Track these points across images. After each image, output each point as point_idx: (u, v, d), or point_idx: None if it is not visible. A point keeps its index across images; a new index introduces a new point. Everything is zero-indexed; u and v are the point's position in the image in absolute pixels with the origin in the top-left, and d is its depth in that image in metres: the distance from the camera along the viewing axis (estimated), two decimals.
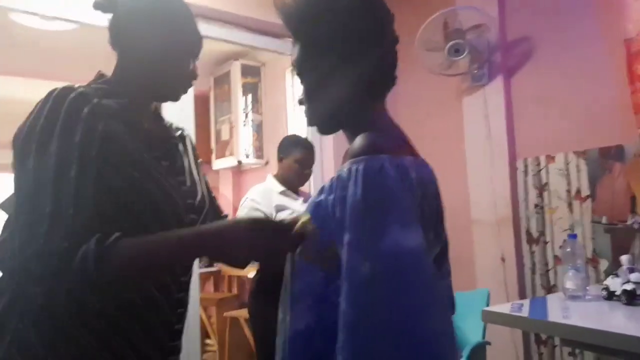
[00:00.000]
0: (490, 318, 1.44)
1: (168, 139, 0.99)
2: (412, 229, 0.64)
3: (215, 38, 2.48)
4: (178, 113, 2.27)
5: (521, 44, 2.46)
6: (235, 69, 4.01)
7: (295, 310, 0.72)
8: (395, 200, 0.66)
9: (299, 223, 0.73)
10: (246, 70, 4.07)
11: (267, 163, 4.07)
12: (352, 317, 0.61)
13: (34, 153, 0.74)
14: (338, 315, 0.64)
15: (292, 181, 2.21)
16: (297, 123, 3.66)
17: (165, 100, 0.98)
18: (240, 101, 4.05)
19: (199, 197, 0.97)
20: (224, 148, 4.17)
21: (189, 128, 2.35)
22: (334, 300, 0.65)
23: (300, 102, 0.83)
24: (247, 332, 3.08)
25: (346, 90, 0.78)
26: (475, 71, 2.48)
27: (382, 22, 0.80)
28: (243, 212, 2.05)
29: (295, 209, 2.08)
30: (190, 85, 0.97)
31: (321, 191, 0.76)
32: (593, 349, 1.44)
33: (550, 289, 2.38)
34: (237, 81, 4.01)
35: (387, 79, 0.82)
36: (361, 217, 0.65)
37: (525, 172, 2.49)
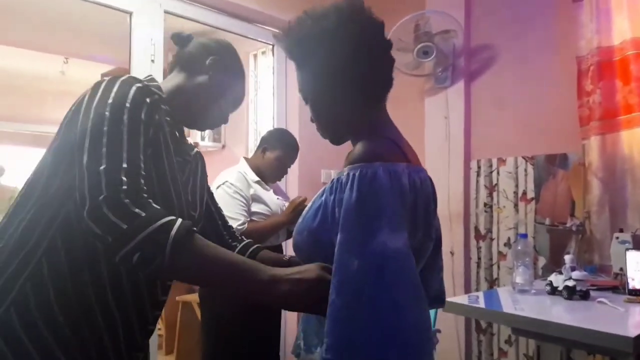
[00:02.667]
0: (450, 308, 1.56)
1: (187, 154, 1.04)
2: (399, 233, 0.71)
3: (178, 15, 2.41)
4: None
5: (483, 51, 2.60)
6: None
7: None
8: (386, 205, 0.72)
9: None
10: None
11: (223, 147, 4.02)
12: (338, 306, 0.68)
13: (109, 123, 0.79)
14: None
15: (269, 175, 2.11)
16: (258, 109, 3.64)
17: (192, 128, 1.08)
18: None
19: (197, 211, 1.04)
20: None
21: None
22: None
23: (312, 120, 0.90)
24: (199, 315, 3.07)
25: (344, 105, 0.85)
26: (440, 73, 2.60)
27: (368, 35, 0.83)
28: (227, 199, 1.90)
29: (270, 201, 2.05)
30: (218, 126, 1.13)
31: (324, 192, 0.81)
32: (538, 337, 1.60)
33: (493, 282, 2.56)
34: None
35: (382, 84, 0.87)
36: (354, 220, 0.72)
37: (478, 173, 2.65)
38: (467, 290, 2.62)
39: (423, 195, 0.80)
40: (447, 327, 2.48)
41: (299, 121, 2.85)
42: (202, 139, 3.89)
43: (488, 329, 2.55)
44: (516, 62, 2.50)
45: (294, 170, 2.76)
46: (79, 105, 0.84)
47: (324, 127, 0.89)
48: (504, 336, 2.48)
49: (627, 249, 1.75)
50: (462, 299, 1.62)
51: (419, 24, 2.41)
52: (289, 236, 2.10)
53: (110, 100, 0.81)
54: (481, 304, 1.52)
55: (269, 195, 2.07)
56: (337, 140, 0.90)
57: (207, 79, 1.00)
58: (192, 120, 1.04)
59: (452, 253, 2.65)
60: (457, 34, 2.46)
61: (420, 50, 2.44)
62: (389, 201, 0.72)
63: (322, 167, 2.88)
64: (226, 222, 1.18)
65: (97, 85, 0.86)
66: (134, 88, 0.84)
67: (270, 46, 3.06)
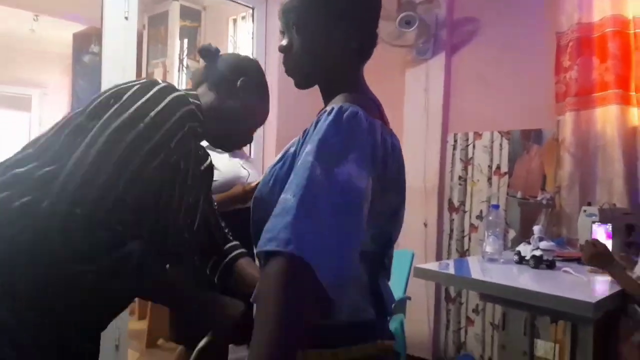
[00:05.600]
0: (421, 274, 1.59)
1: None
2: (364, 174, 0.67)
3: None
4: (122, 55, 2.15)
5: (465, 24, 2.59)
6: (174, 9, 3.78)
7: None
8: (361, 142, 0.68)
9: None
10: (185, 13, 3.85)
11: None
12: (294, 204, 0.61)
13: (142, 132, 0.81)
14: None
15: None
16: None
17: (218, 147, 1.08)
18: (177, 45, 3.85)
19: (196, 224, 1.04)
20: None
21: (131, 70, 2.23)
22: None
23: (282, 50, 0.82)
24: None
25: (340, 42, 0.79)
26: (421, 45, 2.58)
27: None
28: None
29: (221, 164, 1.90)
30: (244, 145, 1.16)
31: (293, 143, 0.78)
32: (504, 303, 1.65)
33: (464, 253, 2.62)
34: (175, 23, 3.79)
35: (373, 41, 0.84)
36: (325, 139, 0.67)
37: (454, 146, 2.68)
38: (439, 260, 2.67)
39: (395, 159, 0.78)
40: (417, 295, 2.54)
41: (277, 89, 2.79)
42: None
43: (457, 298, 2.62)
44: (497, 37, 2.50)
45: (270, 138, 2.74)
46: (105, 105, 0.84)
47: (302, 59, 0.81)
48: (472, 305, 2.56)
49: (594, 222, 1.81)
50: (432, 265, 1.65)
51: None
52: None
53: (136, 108, 0.83)
54: (451, 270, 1.55)
55: (219, 157, 1.80)
56: (306, 80, 0.83)
57: (238, 102, 1.01)
58: (221, 141, 1.05)
59: (425, 225, 2.70)
60: (440, 5, 2.44)
61: (403, 20, 2.41)
62: (363, 140, 0.69)
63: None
64: (218, 221, 1.16)
65: (142, 89, 0.86)
66: (171, 96, 0.86)
67: (250, 10, 2.98)
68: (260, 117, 1.08)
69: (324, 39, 0.79)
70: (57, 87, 4.97)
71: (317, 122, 0.71)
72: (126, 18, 2.19)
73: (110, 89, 0.88)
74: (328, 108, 0.72)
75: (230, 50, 3.70)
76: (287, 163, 0.76)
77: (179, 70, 3.84)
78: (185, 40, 3.88)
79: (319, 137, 0.67)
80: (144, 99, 0.84)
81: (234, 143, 1.09)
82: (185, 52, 3.90)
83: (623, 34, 2.06)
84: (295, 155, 0.74)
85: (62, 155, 0.80)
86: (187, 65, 3.89)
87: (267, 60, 2.90)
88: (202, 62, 1.09)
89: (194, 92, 0.99)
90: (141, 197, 0.82)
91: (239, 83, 1.01)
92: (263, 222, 0.67)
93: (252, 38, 2.96)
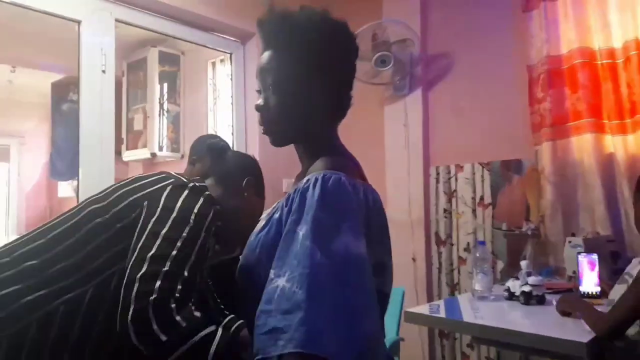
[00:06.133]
0: (412, 319, 1.56)
1: None
2: (361, 240, 0.69)
3: (130, 23, 2.33)
4: (99, 105, 2.15)
5: (440, 60, 2.65)
6: (153, 55, 3.80)
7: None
8: (351, 210, 0.70)
9: None
10: (164, 58, 3.88)
11: (182, 156, 3.92)
12: (303, 297, 0.61)
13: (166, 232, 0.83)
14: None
15: None
16: (217, 117, 3.58)
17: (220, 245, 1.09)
18: (157, 90, 3.86)
19: None
20: (136, 139, 3.94)
21: (109, 118, 2.22)
22: None
23: (259, 109, 0.83)
24: None
25: (317, 104, 0.80)
26: (398, 82, 2.62)
27: (349, 47, 0.84)
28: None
29: None
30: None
31: (277, 207, 0.77)
32: (497, 345, 1.62)
33: (454, 286, 2.60)
34: (154, 69, 3.80)
35: (347, 102, 0.85)
36: (317, 215, 0.67)
37: (437, 179, 2.69)
38: (430, 295, 2.64)
39: (376, 213, 0.79)
40: (410, 332, 2.49)
41: (258, 129, 2.81)
42: (160, 149, 3.79)
43: (451, 333, 2.58)
44: (471, 71, 2.56)
45: None
46: (150, 209, 0.86)
47: (278, 118, 0.81)
48: (466, 340, 2.52)
49: (579, 253, 1.81)
50: (423, 309, 1.62)
51: (377, 33, 2.43)
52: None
53: (181, 205, 0.86)
54: (442, 313, 1.52)
55: None
56: (282, 139, 0.84)
57: (244, 201, 1.06)
58: (225, 240, 1.06)
59: (414, 259, 2.68)
60: (414, 43, 2.49)
61: (378, 59, 2.46)
62: (352, 206, 0.71)
63: (284, 176, 2.85)
64: (214, 297, 1.16)
65: (175, 190, 0.90)
66: (202, 197, 0.90)
67: (228, 55, 3.02)
68: (259, 215, 1.10)
69: (300, 99, 0.81)
70: (35, 136, 4.92)
71: (301, 193, 0.71)
72: (103, 71, 2.19)
73: (130, 184, 0.90)
74: (311, 178, 0.72)
75: (210, 94, 3.72)
76: (272, 229, 0.75)
77: (159, 115, 3.84)
78: (165, 85, 3.90)
79: (311, 216, 0.67)
80: (182, 197, 0.88)
81: (238, 241, 1.09)
82: (165, 97, 3.91)
83: (591, 64, 2.12)
84: (280, 222, 0.74)
85: (82, 250, 0.81)
86: (168, 109, 3.90)
87: (247, 102, 2.92)
88: (208, 157, 1.14)
89: (205, 185, 1.01)
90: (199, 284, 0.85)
91: (244, 183, 1.06)
92: (250, 290, 0.67)
93: (231, 80, 2.98)
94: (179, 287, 0.74)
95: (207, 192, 0.93)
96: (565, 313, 1.50)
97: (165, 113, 3.89)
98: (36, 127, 4.94)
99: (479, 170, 2.54)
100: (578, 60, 2.15)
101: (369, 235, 0.74)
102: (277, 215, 0.76)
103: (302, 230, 0.66)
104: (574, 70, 2.16)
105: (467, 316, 1.47)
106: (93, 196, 0.91)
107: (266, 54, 0.82)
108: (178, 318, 0.70)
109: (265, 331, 0.62)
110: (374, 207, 0.77)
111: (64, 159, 4.14)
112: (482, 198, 2.53)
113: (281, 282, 0.64)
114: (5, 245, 0.87)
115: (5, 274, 0.80)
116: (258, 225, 0.81)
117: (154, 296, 0.70)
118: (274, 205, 0.82)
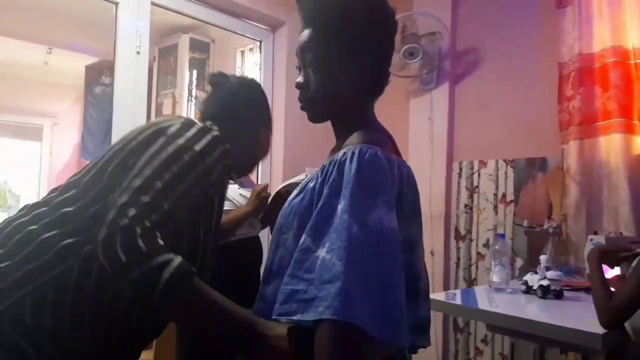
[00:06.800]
0: None
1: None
2: (393, 214, 0.72)
3: (165, 7, 2.39)
4: (133, 87, 2.22)
5: (468, 54, 2.64)
6: (184, 42, 3.89)
7: (277, 281, 0.76)
8: (386, 184, 0.73)
9: None
10: (195, 45, 3.96)
11: None
12: (341, 269, 0.65)
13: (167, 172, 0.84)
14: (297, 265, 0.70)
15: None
16: None
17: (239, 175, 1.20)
18: (186, 76, 3.94)
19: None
20: None
21: (142, 101, 2.29)
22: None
23: (299, 87, 0.85)
24: None
25: (356, 81, 0.82)
26: (425, 75, 2.63)
27: (389, 23, 0.85)
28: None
29: (234, 194, 1.98)
30: (251, 172, 1.25)
31: (312, 177, 0.80)
32: (512, 334, 1.63)
33: (471, 282, 2.60)
34: (184, 55, 3.89)
35: (386, 79, 0.87)
36: (354, 189, 0.70)
37: (460, 175, 2.69)
38: (446, 289, 2.65)
39: (410, 187, 0.81)
40: None
41: (284, 119, 2.84)
42: None
43: (465, 328, 2.59)
44: (500, 67, 2.54)
45: (277, 167, 2.77)
46: (148, 141, 0.88)
47: (318, 96, 0.83)
48: (480, 335, 2.52)
49: None
50: (439, 296, 1.64)
51: (406, 25, 2.43)
52: (264, 226, 2.08)
53: (181, 142, 0.87)
54: (458, 300, 1.54)
55: (231, 189, 1.98)
56: (321, 116, 0.87)
57: (257, 137, 1.11)
58: (242, 168, 1.15)
59: (432, 253, 2.68)
60: (443, 37, 2.49)
61: (407, 52, 2.47)
62: (387, 181, 0.74)
63: (307, 165, 2.89)
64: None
65: (183, 127, 0.91)
66: (209, 136, 0.91)
67: (258, 43, 3.06)
68: (267, 142, 1.16)
69: (340, 77, 0.82)
70: (68, 117, 5.07)
71: (338, 165, 0.74)
72: (138, 53, 2.26)
73: (147, 128, 0.92)
74: (348, 152, 0.75)
75: None
76: (306, 197, 0.78)
77: (188, 101, 3.92)
78: (195, 72, 3.98)
79: (349, 191, 0.70)
80: (187, 135, 0.89)
81: (246, 169, 1.16)
82: (194, 83, 3.99)
83: (624, 64, 2.09)
84: (314, 191, 0.77)
85: (108, 192, 0.83)
86: (196, 95, 3.98)
87: (274, 91, 2.95)
88: (209, 91, 1.14)
89: (215, 126, 1.02)
90: (182, 222, 0.86)
91: (249, 113, 1.07)
92: (284, 256, 0.74)
93: (260, 69, 3.02)
94: (153, 217, 0.75)
95: (215, 133, 0.93)
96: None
97: (194, 99, 3.97)
98: (69, 108, 5.10)
99: (503, 167, 2.53)
100: (611, 59, 2.11)
101: (400, 210, 0.76)
102: (311, 184, 0.78)
103: (341, 205, 0.70)
104: (606, 69, 2.13)
105: (483, 305, 1.49)
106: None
107: (306, 32, 0.84)
108: (140, 242, 0.71)
109: (305, 298, 0.67)
110: (407, 182, 0.80)
111: (95, 140, 4.27)
112: (504, 195, 2.52)
113: (321, 252, 0.68)
114: (44, 197, 0.92)
115: (45, 220, 0.85)
116: (292, 193, 0.84)
117: (124, 222, 0.72)
118: (309, 175, 0.85)
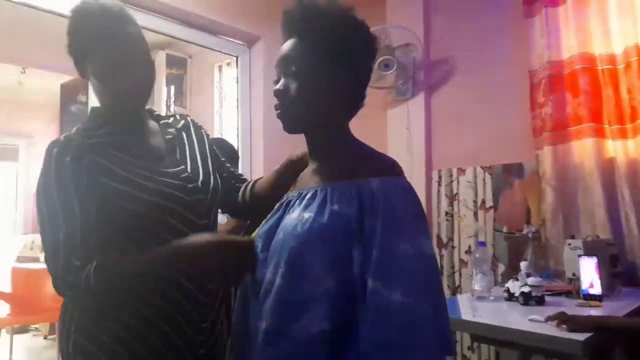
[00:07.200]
0: None
1: (165, 135, 1.06)
2: (430, 241, 0.80)
3: (141, 26, 2.38)
4: None
5: (442, 65, 2.68)
6: (161, 58, 3.87)
7: (308, 316, 0.74)
8: (423, 215, 0.81)
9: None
10: (172, 61, 3.94)
11: None
12: (430, 312, 0.72)
13: (43, 202, 0.91)
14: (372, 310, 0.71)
15: None
16: (224, 119, 3.63)
17: (128, 102, 1.02)
18: (164, 92, 3.92)
19: (201, 177, 1.03)
20: None
21: None
22: (346, 308, 0.74)
23: (277, 94, 0.84)
24: None
25: (335, 94, 0.83)
26: (401, 86, 2.66)
27: (371, 46, 0.86)
28: None
29: None
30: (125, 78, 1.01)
31: (330, 201, 0.77)
32: (496, 343, 1.64)
33: (455, 289, 2.62)
34: (161, 71, 3.87)
35: (362, 99, 0.88)
36: (412, 226, 0.76)
37: (439, 183, 2.72)
38: None
39: None
40: None
41: (263, 131, 2.85)
42: None
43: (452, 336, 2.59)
44: (473, 76, 2.59)
45: (259, 175, 2.76)
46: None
47: (296, 103, 0.83)
48: (466, 343, 2.53)
49: (579, 255, 1.83)
50: None
51: (380, 38, 2.46)
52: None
53: (40, 175, 0.93)
54: None
55: None
56: (297, 125, 0.86)
57: (93, 66, 1.00)
58: (119, 97, 1.00)
59: None
60: (416, 48, 2.53)
61: (382, 63, 2.49)
62: (423, 211, 0.81)
63: None
64: (239, 177, 1.20)
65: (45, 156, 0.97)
66: (53, 158, 0.92)
67: (235, 58, 3.06)
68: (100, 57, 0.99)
69: (319, 86, 0.83)
70: (44, 136, 4.99)
71: (385, 198, 0.75)
72: None
73: None
74: (391, 185, 0.78)
75: (216, 97, 3.77)
76: (333, 222, 0.76)
77: None
78: (172, 87, 3.96)
79: (407, 228, 0.75)
80: (45, 171, 0.94)
81: (124, 87, 0.99)
82: (172, 99, 3.96)
83: (592, 70, 2.15)
84: (348, 219, 0.75)
85: None
86: (174, 111, 3.95)
87: (252, 105, 2.96)
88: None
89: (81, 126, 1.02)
90: (101, 211, 0.93)
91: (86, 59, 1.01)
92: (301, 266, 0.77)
93: (237, 83, 3.02)
94: (77, 249, 0.88)
95: (60, 141, 0.94)
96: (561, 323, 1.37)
97: None
98: (45, 127, 5.02)
99: (481, 174, 2.56)
100: (579, 65, 2.17)
101: None
102: (336, 208, 0.76)
103: (404, 245, 0.73)
104: (575, 76, 2.18)
105: (466, 314, 1.50)
106: None
107: (289, 42, 0.84)
108: (71, 279, 0.86)
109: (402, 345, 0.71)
110: None
111: None
112: (483, 201, 2.55)
113: (396, 296, 0.71)
114: None
115: None
116: (291, 221, 0.80)
117: (60, 265, 0.88)
118: (309, 186, 0.84)
